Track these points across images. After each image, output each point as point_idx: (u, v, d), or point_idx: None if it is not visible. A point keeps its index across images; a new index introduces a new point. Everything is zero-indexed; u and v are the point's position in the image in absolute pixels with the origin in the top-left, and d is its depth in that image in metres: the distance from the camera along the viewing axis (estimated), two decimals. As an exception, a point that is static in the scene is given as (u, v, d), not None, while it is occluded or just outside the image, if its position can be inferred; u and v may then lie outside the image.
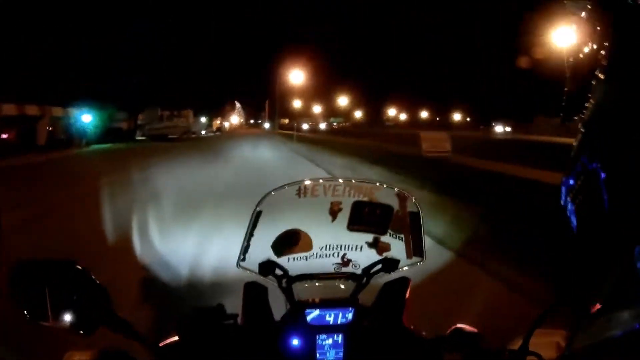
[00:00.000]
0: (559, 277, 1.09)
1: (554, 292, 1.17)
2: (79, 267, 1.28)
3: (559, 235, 1.08)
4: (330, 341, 1.50)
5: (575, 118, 1.08)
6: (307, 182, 1.54)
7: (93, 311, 1.27)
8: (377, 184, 1.57)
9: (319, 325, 1.50)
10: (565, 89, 1.18)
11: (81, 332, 1.24)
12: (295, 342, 1.47)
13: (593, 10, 1.06)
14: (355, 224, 1.56)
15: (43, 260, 1.28)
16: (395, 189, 1.55)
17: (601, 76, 0.96)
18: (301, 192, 1.53)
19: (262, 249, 1.54)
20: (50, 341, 1.75)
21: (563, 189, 1.06)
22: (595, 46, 1.02)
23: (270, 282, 1.52)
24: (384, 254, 1.56)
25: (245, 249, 1.51)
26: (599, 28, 1.02)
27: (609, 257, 0.88)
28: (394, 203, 1.55)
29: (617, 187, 0.88)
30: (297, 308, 1.51)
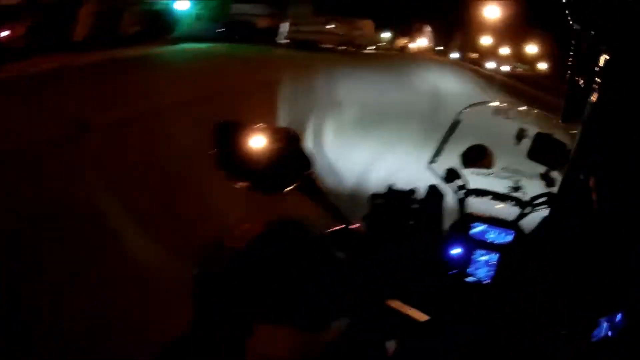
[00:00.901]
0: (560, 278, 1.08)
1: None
2: (288, 129, 1.38)
3: (559, 234, 1.09)
4: (486, 257, 1.61)
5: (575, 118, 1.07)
6: (503, 105, 1.62)
7: (292, 173, 1.35)
8: (559, 121, 1.62)
9: (480, 240, 1.62)
10: (566, 88, 1.15)
11: (274, 191, 1.35)
12: (455, 250, 1.59)
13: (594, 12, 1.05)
14: (534, 154, 1.64)
15: (245, 123, 1.36)
16: (572, 131, 1.59)
17: (601, 76, 0.97)
18: (496, 112, 1.62)
19: (450, 158, 1.66)
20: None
21: (563, 189, 1.04)
22: (595, 47, 1.01)
23: (449, 190, 1.64)
24: (551, 189, 1.64)
25: (437, 152, 1.64)
26: (599, 28, 1.01)
27: (608, 257, 0.89)
28: (569, 143, 1.60)
29: (617, 187, 0.90)
30: (466, 219, 1.65)
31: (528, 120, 1.63)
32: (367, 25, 48.54)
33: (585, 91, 1.04)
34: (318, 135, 8.24)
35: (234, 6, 30.10)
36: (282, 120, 8.55)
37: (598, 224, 0.94)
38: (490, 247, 1.61)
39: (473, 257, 1.61)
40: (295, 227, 1.36)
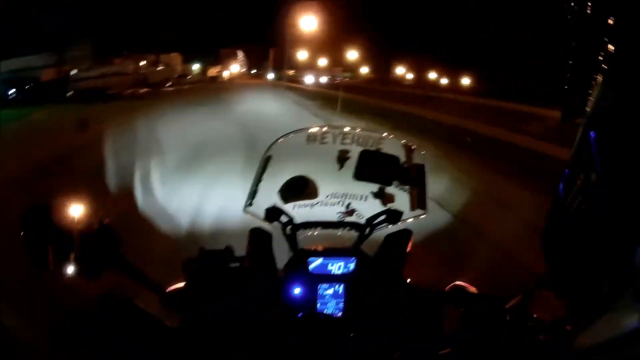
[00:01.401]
0: (558, 280, 1.10)
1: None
2: (90, 209, 1.30)
3: (558, 234, 1.10)
4: (331, 291, 1.55)
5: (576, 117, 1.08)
6: (316, 129, 1.55)
7: (100, 253, 1.30)
8: (385, 135, 1.57)
9: (321, 274, 1.55)
10: (566, 87, 1.18)
11: (90, 275, 1.29)
12: (297, 290, 1.52)
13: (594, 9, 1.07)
14: (361, 174, 1.59)
15: (48, 204, 1.30)
16: (402, 141, 1.56)
17: (601, 76, 0.98)
18: (310, 138, 1.54)
19: (269, 195, 1.55)
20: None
21: (562, 188, 1.06)
22: (595, 46, 1.02)
23: (275, 229, 1.54)
24: (388, 205, 1.59)
25: (252, 194, 1.54)
26: (599, 28, 1.03)
27: (609, 257, 0.89)
28: (400, 155, 1.57)
29: (617, 187, 0.89)
30: (300, 256, 1.55)
31: (348, 140, 1.55)
32: (174, 58, 49.19)
33: (585, 89, 1.04)
34: (145, 185, 7.97)
35: (13, 61, 24.58)
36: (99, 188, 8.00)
37: (598, 224, 0.94)
38: (333, 279, 1.54)
39: (318, 292, 1.54)
40: (122, 302, 1.27)
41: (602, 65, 0.98)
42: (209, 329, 1.36)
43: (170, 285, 1.42)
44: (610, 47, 0.97)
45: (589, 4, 1.06)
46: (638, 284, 0.81)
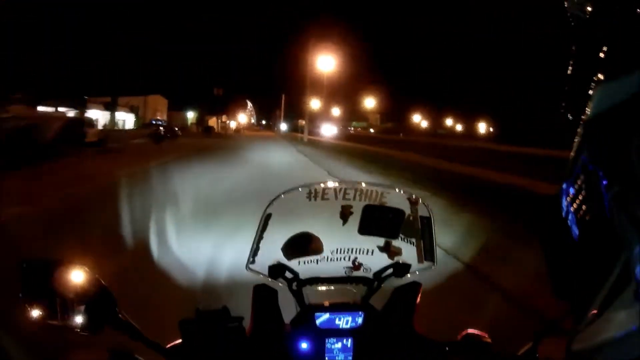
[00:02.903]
0: (558, 282, 1.10)
1: (553, 295, 1.18)
2: (86, 269, 1.31)
3: (558, 239, 1.09)
4: (339, 345, 1.54)
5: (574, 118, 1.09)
6: (318, 186, 1.56)
7: (100, 312, 1.31)
8: (388, 188, 1.58)
9: (328, 329, 1.54)
10: (565, 88, 1.19)
11: (88, 332, 1.27)
12: (304, 345, 1.51)
13: (594, 9, 1.09)
14: (366, 228, 1.59)
15: (51, 260, 1.31)
16: (406, 194, 1.57)
17: (601, 76, 0.98)
18: (312, 195, 1.56)
19: (272, 252, 1.56)
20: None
21: (562, 191, 1.07)
22: (595, 46, 1.03)
23: (280, 285, 1.54)
24: (395, 259, 1.59)
25: (254, 251, 1.54)
26: (600, 27, 1.05)
27: (609, 261, 0.89)
28: (405, 207, 1.58)
29: (617, 187, 0.89)
30: (307, 311, 1.55)
31: (350, 194, 1.57)
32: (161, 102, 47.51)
33: (585, 89, 1.04)
34: (160, 238, 8.01)
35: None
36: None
37: (598, 225, 0.94)
38: (341, 333, 1.54)
39: (326, 347, 1.53)
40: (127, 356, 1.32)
41: (602, 65, 1.00)
42: None
43: (169, 342, 1.39)
44: (610, 46, 0.99)
45: (589, 4, 1.08)
46: (638, 284, 0.81)
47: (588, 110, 1.00)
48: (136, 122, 46.87)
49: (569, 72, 1.20)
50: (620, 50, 0.98)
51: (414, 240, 1.59)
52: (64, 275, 1.30)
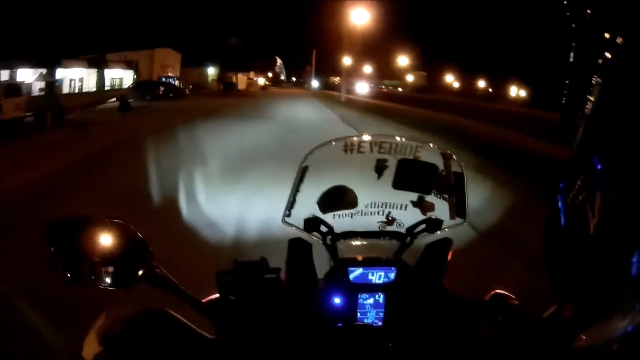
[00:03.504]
0: (558, 282, 1.11)
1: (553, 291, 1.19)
2: (120, 222, 1.34)
3: (558, 236, 1.11)
4: (371, 301, 1.58)
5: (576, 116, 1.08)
6: (354, 139, 1.57)
7: (133, 266, 1.32)
8: (423, 143, 1.59)
9: (361, 284, 1.58)
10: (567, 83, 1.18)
11: (119, 287, 1.31)
12: (337, 300, 1.55)
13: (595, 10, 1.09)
14: (400, 183, 1.61)
15: (78, 217, 1.34)
16: (440, 149, 1.60)
17: (602, 75, 0.99)
18: (347, 148, 1.57)
19: (307, 206, 1.58)
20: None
21: (561, 191, 1.07)
22: (596, 44, 1.04)
23: (314, 239, 1.56)
24: (428, 214, 1.61)
25: (290, 204, 1.57)
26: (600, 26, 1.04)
27: (609, 261, 0.91)
28: (439, 163, 1.60)
29: (618, 187, 0.90)
30: (341, 266, 1.59)
31: (386, 149, 1.58)
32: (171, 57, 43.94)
33: (586, 87, 1.04)
34: (190, 194, 8.07)
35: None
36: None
37: (599, 225, 0.95)
38: (373, 288, 1.58)
39: (358, 302, 1.56)
40: (160, 315, 1.31)
41: (602, 65, 1.00)
42: (246, 338, 1.39)
43: (205, 297, 1.43)
44: (611, 46, 0.98)
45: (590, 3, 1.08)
46: (638, 284, 0.82)
47: (588, 110, 1.01)
48: (134, 80, 39.22)
49: (569, 71, 1.19)
50: (620, 50, 0.98)
51: (446, 196, 1.61)
52: (93, 231, 1.31)
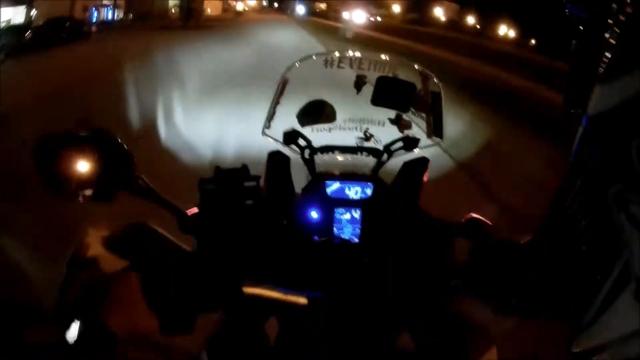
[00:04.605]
0: (557, 282, 1.13)
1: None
2: (103, 131, 1.30)
3: (558, 234, 1.10)
4: (348, 216, 1.61)
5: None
6: (335, 54, 1.58)
7: (115, 177, 1.29)
8: (402, 61, 1.59)
9: (338, 199, 1.61)
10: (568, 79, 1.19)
11: (100, 200, 1.29)
12: (314, 214, 1.57)
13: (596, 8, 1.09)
14: (379, 99, 1.64)
15: (64, 130, 1.29)
16: (419, 68, 1.59)
17: (602, 75, 0.97)
18: (328, 63, 1.58)
19: (286, 118, 1.60)
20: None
21: (562, 189, 1.08)
22: (598, 42, 1.04)
23: (293, 154, 1.58)
24: (405, 132, 1.63)
25: (270, 116, 1.58)
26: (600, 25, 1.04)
27: (609, 261, 0.90)
28: (417, 81, 1.60)
29: (618, 187, 0.89)
30: (318, 179, 1.60)
31: (365, 65, 1.59)
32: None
33: (588, 81, 1.02)
34: (167, 115, 8.00)
35: None
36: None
37: (599, 225, 0.94)
38: (350, 203, 1.61)
39: (334, 217, 1.59)
40: (144, 228, 1.28)
41: (603, 64, 0.99)
42: (225, 251, 1.41)
43: (186, 210, 1.42)
44: (611, 46, 0.98)
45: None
46: (638, 283, 0.83)
47: (589, 109, 1.00)
48: (26, 18, 25.80)
49: (570, 71, 1.19)
50: (620, 50, 0.97)
51: (424, 115, 1.64)
52: (76, 144, 1.28)
